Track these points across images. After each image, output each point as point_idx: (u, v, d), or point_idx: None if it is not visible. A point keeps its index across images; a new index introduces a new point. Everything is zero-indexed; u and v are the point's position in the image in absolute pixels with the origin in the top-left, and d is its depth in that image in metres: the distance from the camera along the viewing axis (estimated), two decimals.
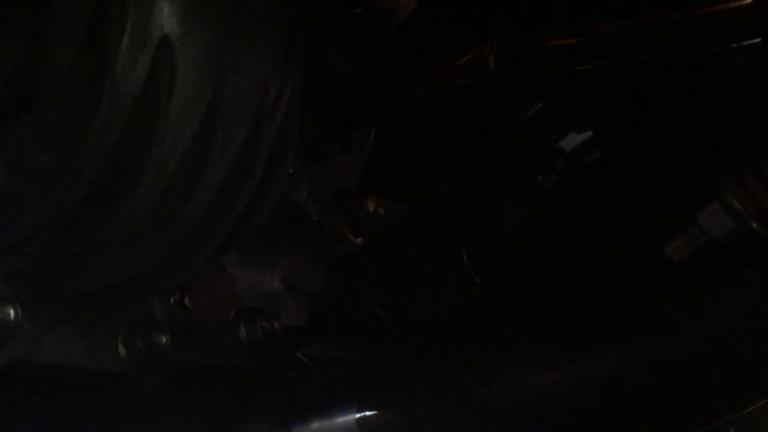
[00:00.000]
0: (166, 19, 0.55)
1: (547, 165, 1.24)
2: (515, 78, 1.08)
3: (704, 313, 0.80)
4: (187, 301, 0.73)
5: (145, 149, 0.56)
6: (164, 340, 0.71)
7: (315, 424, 0.88)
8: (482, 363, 0.87)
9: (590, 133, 1.28)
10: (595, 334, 0.85)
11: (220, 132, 0.59)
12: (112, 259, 0.62)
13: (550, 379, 0.84)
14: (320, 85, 0.77)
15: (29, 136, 0.55)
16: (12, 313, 0.61)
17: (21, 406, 0.82)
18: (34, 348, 0.64)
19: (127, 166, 0.57)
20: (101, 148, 0.56)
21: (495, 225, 1.22)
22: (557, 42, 0.75)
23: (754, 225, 0.76)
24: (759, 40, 0.70)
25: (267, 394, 0.92)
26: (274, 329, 0.80)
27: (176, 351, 0.74)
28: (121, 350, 0.70)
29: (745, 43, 0.71)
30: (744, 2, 0.68)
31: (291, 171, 0.75)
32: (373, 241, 0.89)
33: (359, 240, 0.87)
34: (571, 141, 1.31)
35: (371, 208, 0.85)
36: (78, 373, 0.68)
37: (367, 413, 0.87)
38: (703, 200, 0.79)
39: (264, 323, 0.80)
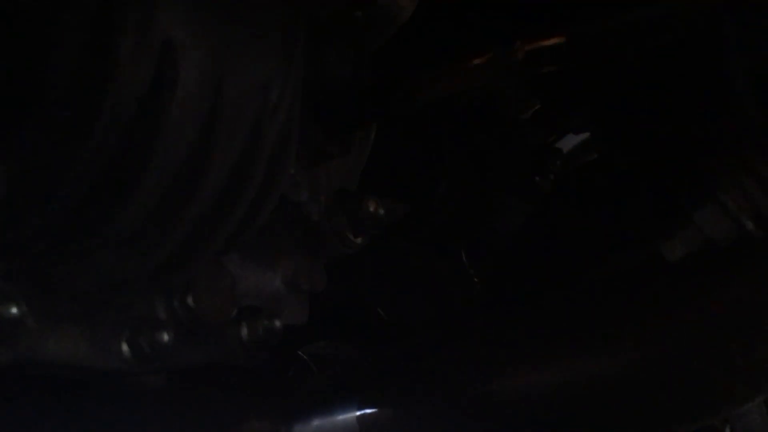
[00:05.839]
0: (169, 22, 0.55)
1: (544, 166, 1.24)
2: (514, 80, 1.09)
3: (702, 314, 0.80)
4: (189, 300, 0.73)
5: (148, 150, 0.57)
6: (167, 338, 0.71)
7: (316, 422, 0.89)
8: (482, 362, 0.88)
9: (587, 134, 1.28)
10: (594, 334, 0.85)
11: (222, 133, 0.60)
12: (116, 258, 0.62)
13: (550, 378, 0.84)
14: (321, 87, 0.78)
15: (34, 137, 0.56)
16: (17, 311, 0.61)
17: (22, 405, 0.83)
18: (38, 346, 0.64)
19: (130, 166, 0.57)
20: (105, 149, 0.56)
21: (494, 225, 1.22)
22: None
23: (750, 225, 0.76)
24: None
25: (268, 393, 0.93)
26: (276, 328, 0.81)
27: (178, 350, 0.74)
28: (125, 349, 0.70)
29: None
30: None
31: (292, 172, 0.76)
32: (373, 241, 0.90)
33: (359, 240, 0.87)
34: (569, 142, 1.32)
35: (371, 208, 0.86)
36: (82, 371, 0.68)
37: (368, 411, 0.88)
38: (699, 201, 0.79)
39: (265, 322, 0.80)
